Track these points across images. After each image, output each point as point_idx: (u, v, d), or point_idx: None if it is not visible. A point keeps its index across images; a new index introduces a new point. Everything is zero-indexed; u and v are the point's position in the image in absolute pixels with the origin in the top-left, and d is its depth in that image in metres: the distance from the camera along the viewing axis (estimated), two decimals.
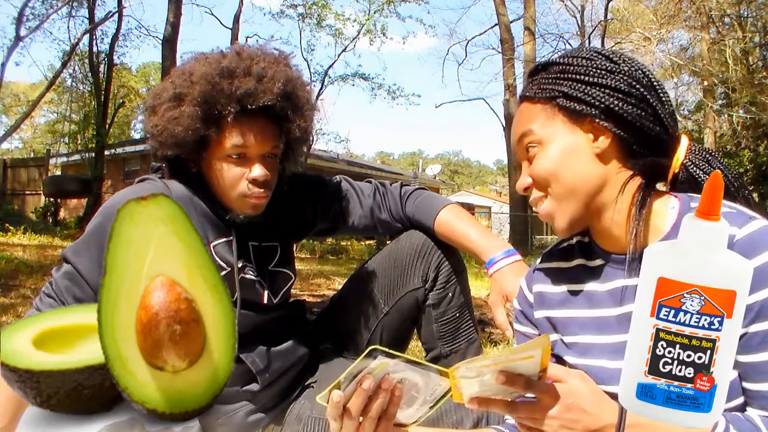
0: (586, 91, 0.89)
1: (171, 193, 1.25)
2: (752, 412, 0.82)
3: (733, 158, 19.07)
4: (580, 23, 20.31)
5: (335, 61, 18.00)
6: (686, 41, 19.13)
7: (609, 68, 0.90)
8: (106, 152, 15.43)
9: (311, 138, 1.41)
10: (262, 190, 1.26)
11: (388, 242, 1.57)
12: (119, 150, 18.00)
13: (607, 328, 0.93)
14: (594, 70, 0.90)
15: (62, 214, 15.70)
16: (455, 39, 34.71)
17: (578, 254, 1.01)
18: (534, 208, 0.96)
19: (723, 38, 15.33)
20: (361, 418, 0.85)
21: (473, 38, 23.47)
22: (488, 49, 21.97)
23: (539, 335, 1.04)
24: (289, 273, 1.43)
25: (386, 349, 0.85)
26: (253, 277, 1.33)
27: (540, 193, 0.94)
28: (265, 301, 1.35)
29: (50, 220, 13.72)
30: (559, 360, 1.01)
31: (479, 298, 5.62)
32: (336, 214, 1.51)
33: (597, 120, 0.89)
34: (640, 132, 0.89)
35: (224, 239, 1.30)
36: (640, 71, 0.91)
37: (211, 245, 1.28)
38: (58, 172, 19.26)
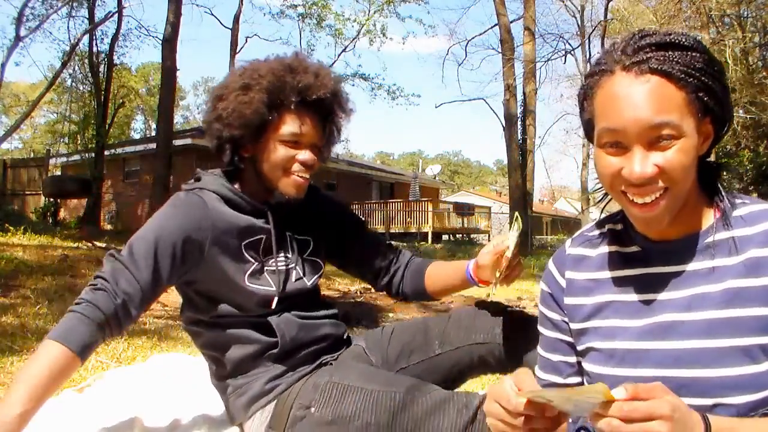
0: (722, 92, 0.88)
1: (206, 205, 1.40)
2: None
3: (733, 158, 19.02)
4: (580, 23, 20.32)
5: (335, 61, 18.04)
6: None
7: (722, 69, 0.89)
8: (106, 152, 15.43)
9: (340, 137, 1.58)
10: (307, 172, 1.44)
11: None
12: (119, 150, 17.99)
13: (637, 313, 0.94)
14: (721, 72, 0.88)
15: (62, 214, 15.69)
16: (455, 39, 34.63)
17: (612, 241, 1.01)
18: (639, 199, 0.87)
19: (723, 38, 15.31)
20: None
21: (473, 38, 23.47)
22: (488, 49, 21.98)
23: (565, 322, 1.04)
24: (320, 262, 1.59)
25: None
26: (291, 261, 1.50)
27: (660, 186, 0.86)
28: (304, 283, 1.51)
29: (50, 221, 13.71)
30: (582, 352, 1.01)
31: (480, 298, 5.62)
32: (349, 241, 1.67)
33: (713, 123, 0.89)
34: (724, 132, 0.92)
35: (263, 224, 1.46)
36: None
37: (249, 238, 1.43)
38: (58, 173, 19.24)
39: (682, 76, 0.84)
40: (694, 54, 0.85)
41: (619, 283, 0.98)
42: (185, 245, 1.35)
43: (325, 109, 1.46)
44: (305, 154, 1.43)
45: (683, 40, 0.86)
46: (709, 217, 0.94)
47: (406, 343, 1.57)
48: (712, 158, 0.98)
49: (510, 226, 1.34)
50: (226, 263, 1.41)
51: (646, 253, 0.96)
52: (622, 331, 0.94)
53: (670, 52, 0.85)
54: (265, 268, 1.46)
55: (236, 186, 1.49)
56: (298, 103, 1.41)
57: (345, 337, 1.61)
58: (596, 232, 1.04)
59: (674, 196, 0.87)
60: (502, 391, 0.80)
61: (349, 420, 1.29)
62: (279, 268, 1.47)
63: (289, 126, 1.41)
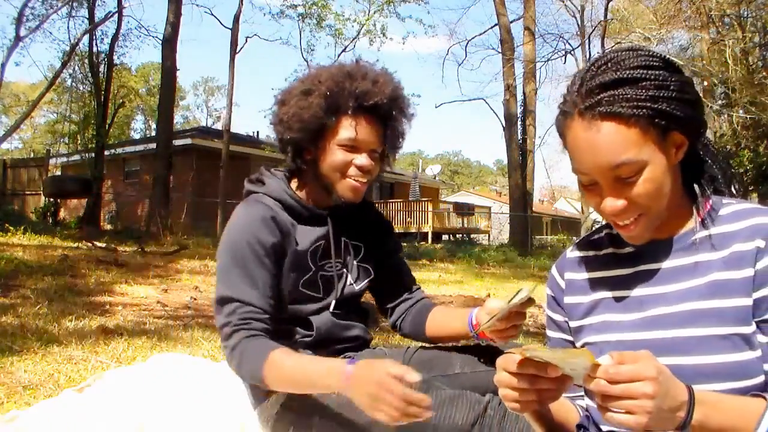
0: (681, 108, 0.90)
1: (272, 212, 1.45)
2: None
3: (733, 158, 19.00)
4: (580, 23, 20.29)
5: (335, 62, 17.96)
6: (686, 41, 19.08)
7: (687, 81, 0.92)
8: (106, 152, 15.41)
9: (402, 143, 1.61)
10: (364, 176, 1.49)
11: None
12: (119, 150, 17.98)
13: (629, 307, 0.99)
14: (679, 84, 0.91)
15: (62, 214, 15.68)
16: (455, 39, 34.60)
17: (608, 244, 1.07)
18: (620, 221, 0.95)
19: (723, 38, 15.31)
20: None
21: (473, 38, 23.35)
22: (488, 49, 21.97)
23: (566, 322, 1.10)
24: (369, 269, 1.64)
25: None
26: (345, 266, 1.57)
27: (635, 213, 0.93)
28: (353, 288, 1.58)
29: (50, 221, 13.70)
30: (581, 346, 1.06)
31: (480, 298, 5.62)
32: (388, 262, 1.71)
33: (682, 133, 0.92)
34: (701, 133, 0.97)
35: (323, 231, 1.53)
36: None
37: (311, 246, 1.50)
38: (58, 173, 19.24)
39: (632, 112, 0.88)
40: (643, 83, 0.89)
41: (614, 281, 1.04)
42: (266, 251, 1.42)
43: (383, 114, 1.50)
44: (362, 159, 1.47)
45: (632, 72, 0.89)
46: (696, 216, 0.99)
47: (426, 360, 1.60)
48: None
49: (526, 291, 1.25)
50: (288, 269, 1.48)
51: (638, 253, 1.02)
52: (614, 325, 1.00)
53: (620, 90, 0.89)
54: (320, 273, 1.52)
55: (298, 187, 1.56)
56: (355, 109, 1.46)
57: (370, 343, 1.67)
58: (595, 237, 1.11)
59: (650, 217, 0.94)
60: (508, 359, 0.85)
61: None
62: (337, 272, 1.55)
63: (347, 131, 1.46)
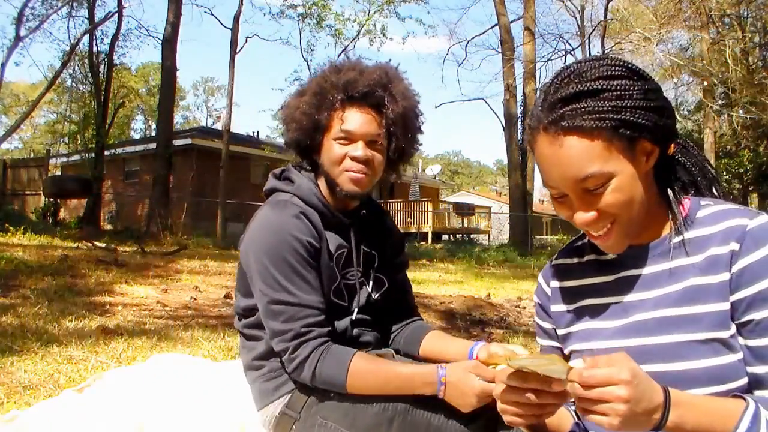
0: (645, 116, 0.90)
1: (303, 210, 1.44)
2: (763, 394, 0.86)
3: (733, 158, 19.02)
4: (580, 23, 20.30)
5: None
6: (686, 41, 19.10)
7: (652, 88, 0.92)
8: (106, 152, 15.43)
9: (417, 136, 1.57)
10: (363, 166, 1.47)
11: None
12: (119, 150, 17.99)
13: (612, 314, 1.00)
14: (642, 91, 0.91)
15: (62, 214, 15.69)
16: (455, 39, 34.63)
17: (590, 251, 1.07)
18: (593, 232, 0.95)
19: (723, 38, 15.32)
20: None
21: (473, 38, 23.46)
22: (488, 49, 22.03)
23: (554, 329, 1.10)
24: (384, 279, 1.62)
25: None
26: (361, 275, 1.56)
27: (606, 222, 0.93)
28: (371, 297, 1.57)
29: (50, 221, 13.70)
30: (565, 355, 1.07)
31: (480, 298, 5.62)
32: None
33: (650, 141, 0.92)
34: (672, 139, 0.96)
35: (346, 238, 1.53)
36: (656, 83, 0.95)
37: (336, 253, 1.49)
38: (58, 173, 19.25)
39: (595, 125, 0.87)
40: (605, 94, 0.89)
41: (597, 288, 1.04)
42: (308, 250, 1.41)
43: (376, 102, 1.48)
44: (356, 150, 1.46)
45: (593, 84, 0.89)
46: (671, 221, 0.99)
47: None
48: (712, 157, 1.01)
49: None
50: (320, 275, 1.47)
51: (619, 260, 1.02)
52: (599, 332, 1.00)
53: (581, 103, 0.89)
54: (343, 281, 1.51)
55: (325, 189, 1.53)
56: (344, 100, 1.46)
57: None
58: (578, 244, 1.11)
59: (623, 225, 0.93)
60: (506, 373, 0.85)
61: (368, 404, 1.34)
62: (358, 281, 1.54)
63: (338, 123, 1.47)
